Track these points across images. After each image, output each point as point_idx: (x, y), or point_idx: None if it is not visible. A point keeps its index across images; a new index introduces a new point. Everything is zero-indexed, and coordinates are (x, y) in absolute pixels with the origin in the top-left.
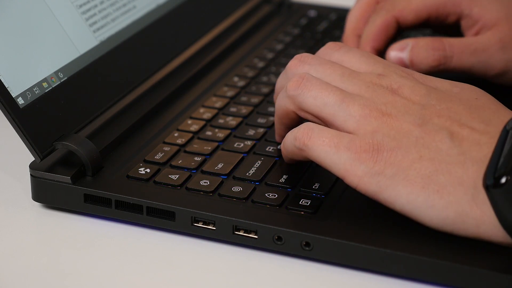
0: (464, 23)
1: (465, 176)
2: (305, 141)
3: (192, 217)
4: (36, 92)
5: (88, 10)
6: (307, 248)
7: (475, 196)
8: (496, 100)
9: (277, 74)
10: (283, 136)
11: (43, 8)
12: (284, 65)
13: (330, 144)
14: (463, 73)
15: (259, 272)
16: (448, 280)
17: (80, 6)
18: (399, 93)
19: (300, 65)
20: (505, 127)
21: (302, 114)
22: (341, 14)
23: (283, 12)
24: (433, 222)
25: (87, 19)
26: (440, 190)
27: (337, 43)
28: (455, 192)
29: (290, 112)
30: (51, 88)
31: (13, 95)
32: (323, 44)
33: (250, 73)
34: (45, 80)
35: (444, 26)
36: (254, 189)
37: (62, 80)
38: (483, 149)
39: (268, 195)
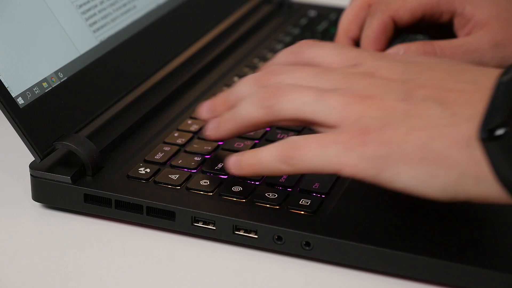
0: (456, 22)
1: (459, 135)
2: (292, 154)
3: (192, 217)
4: (36, 92)
5: (88, 10)
6: (307, 248)
7: (471, 153)
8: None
9: None
10: (224, 138)
11: (43, 8)
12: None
13: (317, 146)
14: None
15: (259, 272)
16: (448, 280)
17: (80, 6)
18: (376, 75)
19: (271, 78)
20: (498, 79)
21: (281, 124)
22: (341, 14)
23: (283, 12)
24: (434, 192)
25: (87, 19)
26: (438, 157)
27: (309, 40)
28: (452, 155)
29: (262, 123)
30: (51, 88)
31: (13, 95)
32: None
33: (250, 73)
34: (45, 80)
35: (438, 25)
36: (254, 189)
37: (62, 80)
38: (475, 107)
39: (268, 195)
